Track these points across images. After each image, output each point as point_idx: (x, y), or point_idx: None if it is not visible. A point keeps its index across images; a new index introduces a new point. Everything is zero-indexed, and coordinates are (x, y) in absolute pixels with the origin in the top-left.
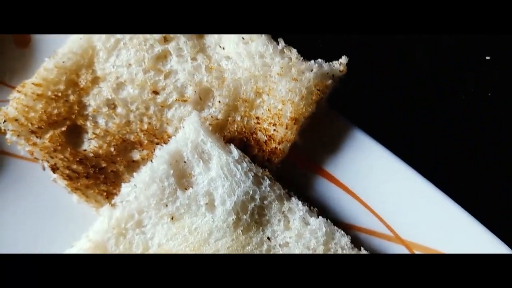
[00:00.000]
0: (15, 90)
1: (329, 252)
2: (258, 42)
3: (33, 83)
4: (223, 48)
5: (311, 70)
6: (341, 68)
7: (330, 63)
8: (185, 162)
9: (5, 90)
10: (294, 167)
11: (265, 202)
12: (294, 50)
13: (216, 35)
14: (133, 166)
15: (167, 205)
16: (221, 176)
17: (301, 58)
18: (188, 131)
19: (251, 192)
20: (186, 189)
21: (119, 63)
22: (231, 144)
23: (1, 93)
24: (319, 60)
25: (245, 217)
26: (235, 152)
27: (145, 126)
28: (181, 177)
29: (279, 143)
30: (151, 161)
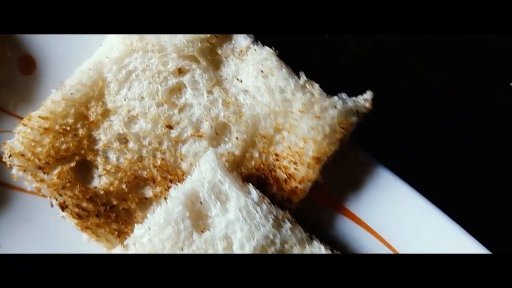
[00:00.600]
0: (21, 123)
1: None
2: (278, 77)
3: (39, 116)
4: (241, 81)
5: (335, 107)
6: (367, 104)
7: (355, 98)
8: (201, 203)
9: (9, 119)
10: (315, 205)
11: (286, 246)
12: (317, 85)
13: (233, 67)
14: (145, 203)
15: (182, 249)
16: (239, 219)
17: (324, 93)
18: (204, 170)
19: (271, 236)
20: (202, 231)
21: (131, 95)
22: (250, 184)
23: (5, 122)
24: (343, 95)
25: None
26: (254, 193)
27: (158, 162)
28: (197, 218)
29: (300, 183)
30: (165, 199)
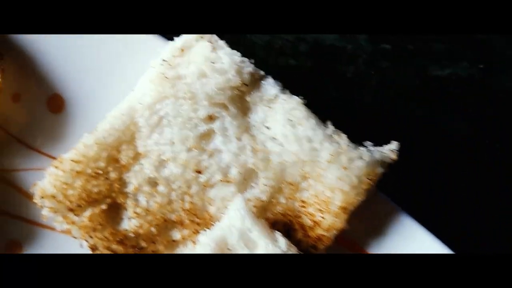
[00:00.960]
0: (53, 166)
1: None
2: (306, 126)
3: (72, 160)
4: (269, 128)
5: (362, 158)
6: (393, 155)
7: (380, 149)
8: (229, 249)
9: (37, 157)
10: (339, 251)
11: None
12: (344, 136)
13: (261, 114)
14: (173, 245)
15: None
16: None
17: (351, 144)
18: (233, 217)
19: None
20: None
21: (162, 140)
22: (277, 232)
23: (33, 159)
24: (369, 145)
25: None
26: (282, 241)
27: (187, 206)
28: None
29: (326, 231)
30: (193, 243)
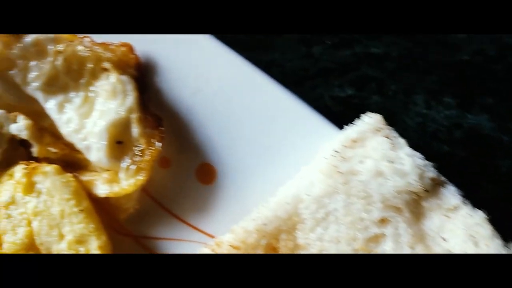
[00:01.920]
0: (209, 247)
1: None
2: (491, 247)
3: (231, 245)
4: (444, 240)
5: None
6: None
7: None
8: None
9: (181, 227)
10: None
11: None
12: None
13: (437, 222)
14: None
15: None
16: None
17: None
18: None
19: None
20: None
21: (326, 237)
22: None
23: (176, 229)
24: None
25: None
26: None
27: None
28: None
29: None
30: None
